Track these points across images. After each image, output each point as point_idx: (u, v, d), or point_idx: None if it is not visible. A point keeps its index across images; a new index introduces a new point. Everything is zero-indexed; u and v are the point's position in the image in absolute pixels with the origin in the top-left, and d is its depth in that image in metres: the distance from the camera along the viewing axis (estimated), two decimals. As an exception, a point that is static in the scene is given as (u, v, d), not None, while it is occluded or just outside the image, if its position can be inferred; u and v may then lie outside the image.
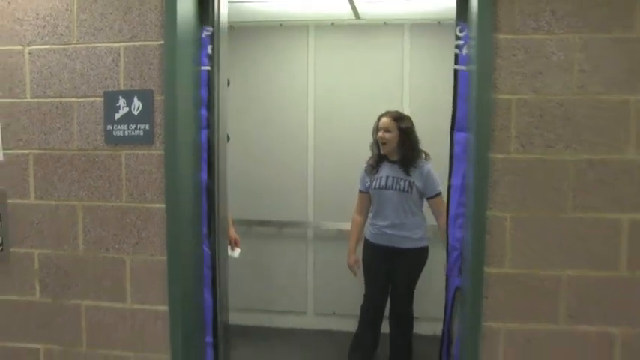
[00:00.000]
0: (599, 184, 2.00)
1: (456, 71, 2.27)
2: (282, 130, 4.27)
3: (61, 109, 2.23)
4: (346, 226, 3.90)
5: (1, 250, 2.29)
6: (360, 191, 3.53)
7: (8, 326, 2.36)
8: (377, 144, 3.38)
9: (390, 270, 3.43)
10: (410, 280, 3.44)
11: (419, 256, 3.43)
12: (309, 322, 4.37)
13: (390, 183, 3.36)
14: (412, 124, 3.38)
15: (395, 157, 3.37)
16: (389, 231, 3.37)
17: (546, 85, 1.99)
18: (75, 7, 2.17)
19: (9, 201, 2.29)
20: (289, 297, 4.36)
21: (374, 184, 3.41)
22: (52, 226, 2.29)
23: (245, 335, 4.00)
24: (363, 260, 3.50)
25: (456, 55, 2.26)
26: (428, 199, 3.37)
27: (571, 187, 2.02)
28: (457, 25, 2.24)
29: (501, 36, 1.98)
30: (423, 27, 3.97)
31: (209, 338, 2.48)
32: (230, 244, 3.04)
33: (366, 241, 3.52)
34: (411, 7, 3.73)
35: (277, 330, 4.29)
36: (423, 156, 3.41)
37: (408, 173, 3.33)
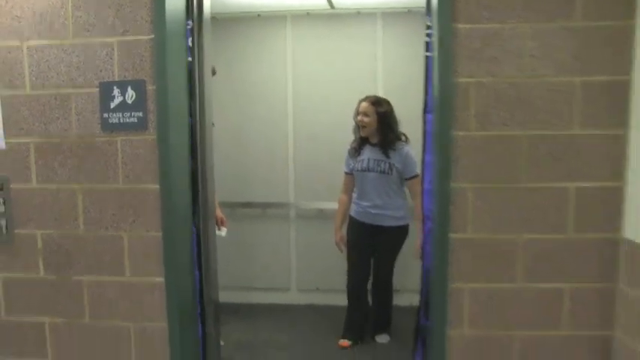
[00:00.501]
0: (549, 157, 2.22)
1: (426, 57, 2.48)
2: (263, 117, 4.42)
3: (60, 99, 2.38)
4: (325, 205, 4.16)
5: (6, 231, 2.45)
6: (345, 172, 3.75)
7: (15, 302, 2.52)
8: (358, 127, 3.61)
9: (373, 245, 3.70)
10: (391, 254, 3.73)
11: (400, 233, 3.70)
12: (292, 298, 4.56)
13: (371, 165, 3.59)
14: (390, 108, 3.60)
15: (375, 140, 3.60)
16: (372, 210, 3.63)
17: (501, 70, 2.19)
18: (70, 4, 2.32)
19: (12, 186, 2.44)
20: (273, 274, 4.54)
21: (356, 166, 3.64)
22: (54, 208, 2.44)
23: (232, 312, 4.15)
24: (348, 237, 3.74)
25: (426, 43, 2.45)
26: (406, 179, 3.61)
27: (525, 160, 2.23)
28: (427, 15, 2.44)
29: (460, 25, 2.18)
30: (394, 15, 4.16)
31: (199, 308, 2.67)
32: (217, 224, 3.24)
33: (351, 218, 3.75)
34: (383, -4, 3.91)
35: (262, 306, 4.48)
36: (403, 138, 3.64)
37: (387, 155, 3.56)
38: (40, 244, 2.47)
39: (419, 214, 2.93)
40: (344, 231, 3.79)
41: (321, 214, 4.27)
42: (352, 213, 3.76)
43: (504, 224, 2.27)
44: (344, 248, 3.76)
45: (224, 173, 3.91)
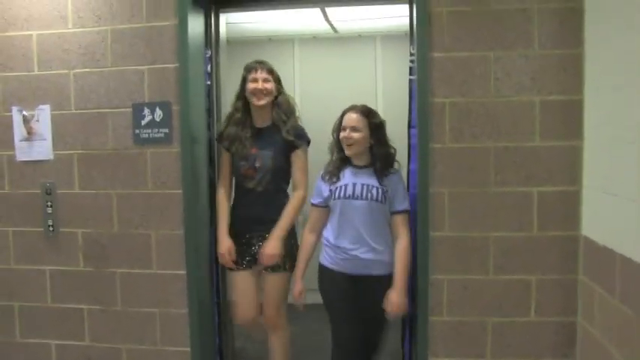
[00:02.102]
0: (514, 165, 2.54)
1: (410, 80, 2.85)
2: None
3: (99, 117, 2.78)
4: None
5: (53, 230, 2.86)
6: (314, 204, 2.77)
7: (59, 291, 2.89)
8: (339, 145, 2.73)
9: (358, 304, 2.66)
10: (384, 314, 2.63)
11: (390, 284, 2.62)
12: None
13: (358, 191, 2.61)
14: (382, 120, 2.73)
15: (362, 161, 2.69)
16: (356, 253, 2.60)
17: (471, 91, 2.53)
18: (109, 39, 2.74)
19: (58, 191, 2.85)
20: None
21: (336, 193, 2.64)
22: (92, 210, 2.82)
23: None
24: (322, 294, 2.75)
25: (410, 68, 2.82)
26: (392, 213, 2.64)
27: (493, 168, 2.55)
28: (410, 44, 2.81)
29: (436, 54, 2.54)
30: (392, 38, 4.47)
31: (216, 298, 3.05)
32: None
33: (323, 269, 2.72)
34: (381, 22, 4.22)
35: None
36: (396, 165, 2.75)
37: (380, 180, 2.63)
38: (80, 240, 2.85)
39: (403, 260, 2.60)
40: (308, 283, 2.77)
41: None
42: (325, 262, 2.71)
43: (476, 223, 2.57)
44: (302, 304, 2.81)
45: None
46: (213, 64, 2.97)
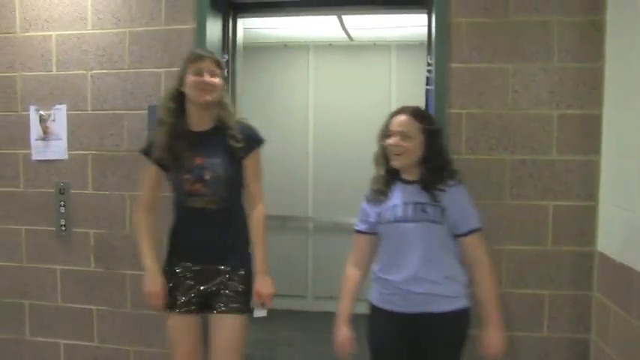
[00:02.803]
0: (529, 178, 2.53)
1: (427, 90, 2.85)
2: (286, 137, 4.71)
3: (114, 119, 2.80)
4: (342, 219, 4.26)
5: (65, 230, 2.87)
6: (358, 231, 2.26)
7: (69, 290, 2.91)
8: (384, 155, 2.18)
9: (415, 352, 2.15)
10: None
11: (460, 322, 2.14)
12: (309, 304, 4.82)
13: (410, 212, 2.11)
14: (441, 127, 2.26)
15: (414, 175, 2.14)
16: (412, 288, 2.09)
17: (488, 103, 2.53)
18: (127, 41, 2.76)
19: (71, 191, 2.87)
20: (291, 282, 4.73)
21: (385, 215, 2.14)
22: (105, 211, 2.84)
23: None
24: (370, 339, 2.23)
25: (427, 78, 2.82)
26: (458, 236, 2.13)
27: (508, 180, 2.54)
28: (428, 54, 2.81)
29: (453, 65, 2.54)
30: (407, 47, 4.48)
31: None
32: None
33: (373, 309, 2.22)
34: (397, 31, 4.24)
35: (280, 311, 4.68)
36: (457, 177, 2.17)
37: (435, 197, 2.10)
38: (92, 241, 2.87)
39: (489, 289, 2.13)
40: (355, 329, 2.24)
41: (338, 228, 4.53)
42: (374, 300, 2.22)
43: (490, 235, 2.48)
44: (350, 354, 2.24)
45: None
46: (230, 68, 2.98)
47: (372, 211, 2.19)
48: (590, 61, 2.47)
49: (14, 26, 2.89)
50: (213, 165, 2.17)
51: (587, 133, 2.50)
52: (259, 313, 2.27)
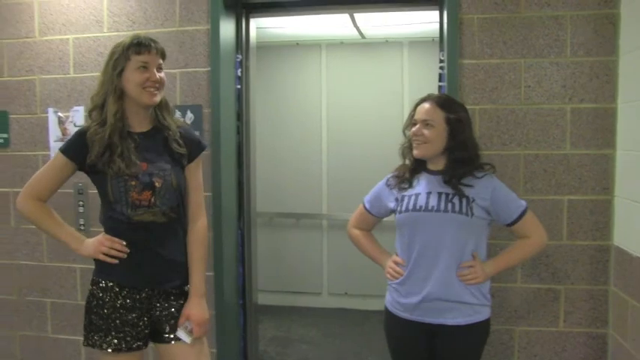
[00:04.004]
0: (543, 172, 2.53)
1: (440, 87, 2.84)
2: (300, 135, 4.78)
3: (131, 120, 2.85)
4: None
5: (84, 229, 2.93)
6: (366, 209, 2.23)
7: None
8: (409, 144, 2.09)
9: (432, 355, 2.06)
10: None
11: (477, 335, 2.03)
12: (323, 301, 4.85)
13: (434, 201, 1.97)
14: (467, 115, 2.08)
15: (440, 166, 2.04)
16: (428, 293, 1.96)
17: (501, 98, 2.54)
18: (143, 42, 2.81)
19: (89, 191, 2.91)
20: (306, 279, 4.85)
21: (404, 204, 2.03)
22: (123, 210, 2.89)
23: (267, 313, 4.44)
24: (387, 339, 2.16)
25: (440, 74, 2.81)
26: (509, 225, 2.04)
27: (522, 175, 2.55)
28: (440, 50, 2.81)
29: (465, 61, 2.55)
30: (419, 44, 4.48)
31: (241, 300, 3.06)
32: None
33: (387, 315, 2.12)
34: (409, 28, 4.24)
35: (296, 308, 4.79)
36: (487, 167, 2.08)
37: (460, 189, 1.96)
38: (111, 240, 2.91)
39: (513, 258, 2.11)
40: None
41: (352, 225, 4.59)
42: (388, 305, 2.12)
43: (505, 231, 2.45)
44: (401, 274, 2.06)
45: (263, 185, 4.23)
46: (244, 68, 3.01)
47: (390, 197, 2.11)
48: (603, 55, 2.47)
49: (33, 31, 2.95)
50: (162, 171, 1.92)
51: (602, 127, 2.49)
52: (183, 336, 1.94)
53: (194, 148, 2.02)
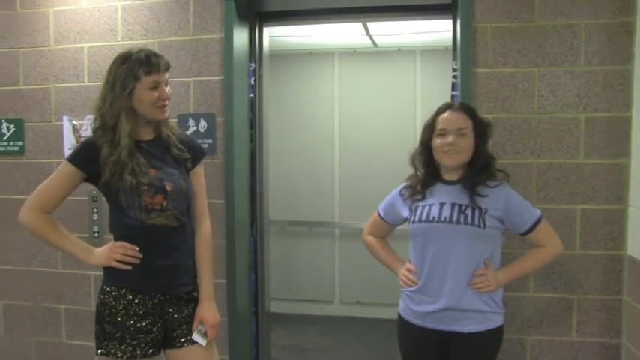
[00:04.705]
0: (556, 182, 2.52)
1: (453, 96, 2.84)
2: (312, 144, 4.79)
3: (145, 128, 2.88)
4: None
5: (98, 236, 2.96)
6: (381, 217, 2.25)
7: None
8: (426, 155, 2.08)
9: None
10: None
11: (490, 344, 2.05)
12: (335, 309, 4.85)
13: (447, 212, 1.98)
14: (489, 122, 2.14)
15: (455, 175, 2.05)
16: (440, 303, 1.97)
17: (514, 107, 2.53)
18: (156, 51, 2.83)
19: (103, 199, 2.92)
20: (318, 288, 4.86)
21: (419, 214, 2.03)
22: (137, 217, 2.92)
23: (280, 321, 4.46)
24: (400, 345, 2.18)
25: (453, 83, 2.82)
26: (523, 234, 2.05)
27: (535, 184, 2.53)
28: (454, 59, 2.81)
29: (479, 70, 2.55)
30: (432, 53, 4.49)
31: (253, 308, 3.06)
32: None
33: (401, 322, 2.13)
34: (422, 37, 4.25)
35: (308, 316, 4.79)
36: (501, 177, 2.09)
37: (475, 199, 1.97)
38: (124, 247, 2.94)
39: (525, 267, 2.11)
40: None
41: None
42: (402, 312, 2.13)
43: (517, 239, 2.45)
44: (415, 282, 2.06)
45: (276, 193, 4.25)
46: (257, 76, 3.03)
47: (404, 208, 2.12)
48: (618, 64, 2.45)
49: (49, 40, 2.99)
50: (171, 176, 1.97)
51: (616, 136, 2.48)
52: (199, 339, 1.99)
53: (197, 153, 2.09)
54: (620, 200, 2.49)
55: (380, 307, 4.58)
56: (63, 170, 1.96)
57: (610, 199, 2.50)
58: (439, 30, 3.82)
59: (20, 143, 3.08)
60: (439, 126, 2.02)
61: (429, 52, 4.54)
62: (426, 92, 4.54)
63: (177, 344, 1.99)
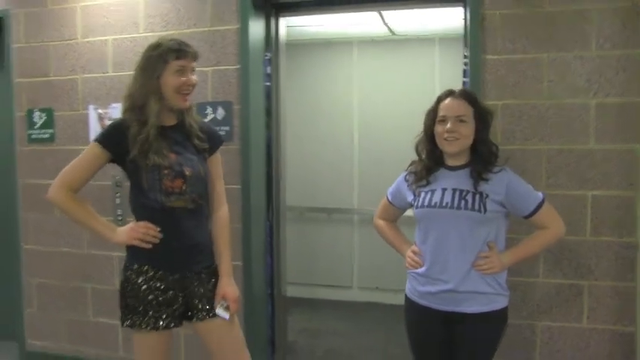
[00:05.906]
0: (566, 167, 2.53)
1: (463, 83, 2.87)
2: (331, 132, 4.84)
3: (165, 116, 2.99)
4: None
5: (121, 219, 3.09)
6: (389, 201, 2.33)
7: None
8: (429, 141, 2.13)
9: (448, 348, 2.10)
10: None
11: (495, 323, 2.07)
12: (354, 295, 4.90)
13: (448, 198, 2.02)
14: (490, 109, 2.15)
15: (459, 161, 2.08)
16: (444, 284, 2.03)
17: (523, 93, 2.55)
18: (176, 42, 2.95)
19: (126, 184, 3.05)
20: (337, 273, 4.91)
21: (422, 199, 2.09)
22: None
23: (299, 305, 4.52)
24: (407, 332, 2.23)
25: (464, 71, 2.84)
26: (527, 217, 2.07)
27: (544, 170, 2.55)
28: (464, 46, 2.83)
29: (488, 56, 2.57)
30: (451, 40, 4.44)
31: (269, 290, 3.16)
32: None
33: (408, 303, 2.19)
34: (440, 24, 4.25)
35: (326, 301, 4.85)
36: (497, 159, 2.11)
37: (476, 184, 2.01)
38: (146, 230, 3.07)
39: (531, 247, 2.14)
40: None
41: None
42: (408, 293, 2.20)
43: (527, 225, 2.49)
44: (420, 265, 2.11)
45: (295, 180, 4.36)
46: (273, 66, 3.11)
47: (409, 192, 2.17)
48: (631, 48, 2.44)
49: (76, 34, 3.15)
50: (190, 161, 2.07)
51: (628, 122, 2.47)
52: (222, 313, 2.12)
53: (215, 141, 2.20)
54: (632, 186, 2.47)
55: (399, 293, 4.45)
56: (91, 150, 2.05)
57: (622, 185, 2.49)
58: (458, 17, 3.81)
59: (51, 131, 3.25)
60: (440, 113, 2.06)
61: (447, 40, 4.52)
62: (445, 80, 4.49)
63: (201, 317, 2.11)
